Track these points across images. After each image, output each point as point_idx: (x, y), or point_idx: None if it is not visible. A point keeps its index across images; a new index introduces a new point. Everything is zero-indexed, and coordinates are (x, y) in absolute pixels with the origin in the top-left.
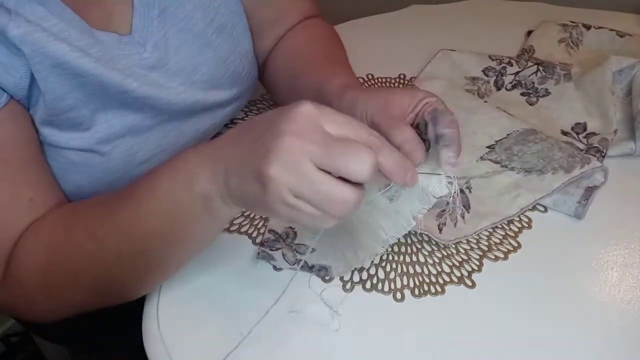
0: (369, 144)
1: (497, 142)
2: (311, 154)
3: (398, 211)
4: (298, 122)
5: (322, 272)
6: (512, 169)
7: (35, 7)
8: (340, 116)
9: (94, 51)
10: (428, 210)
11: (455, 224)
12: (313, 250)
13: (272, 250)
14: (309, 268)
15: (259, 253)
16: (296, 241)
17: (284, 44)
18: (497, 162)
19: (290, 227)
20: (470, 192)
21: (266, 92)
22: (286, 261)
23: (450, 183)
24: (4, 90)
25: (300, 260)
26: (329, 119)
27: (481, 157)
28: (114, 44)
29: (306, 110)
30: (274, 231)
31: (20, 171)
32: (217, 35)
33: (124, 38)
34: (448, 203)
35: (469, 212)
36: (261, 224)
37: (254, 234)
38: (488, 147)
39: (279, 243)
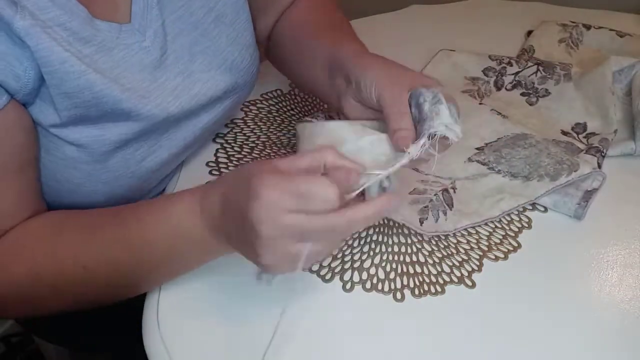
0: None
1: (486, 144)
2: (291, 237)
3: None
4: (266, 216)
5: None
6: (499, 172)
7: None
8: (296, 191)
9: (88, 46)
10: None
11: (437, 219)
12: None
13: None
14: None
15: None
16: None
17: (289, 16)
18: (484, 164)
19: None
20: (454, 192)
21: (266, 92)
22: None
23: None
24: (6, 90)
25: None
26: (289, 204)
27: (469, 159)
28: (114, 34)
29: (268, 201)
30: None
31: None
32: (215, 24)
33: (123, 27)
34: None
35: (451, 210)
36: None
37: None
38: (477, 148)
39: None
